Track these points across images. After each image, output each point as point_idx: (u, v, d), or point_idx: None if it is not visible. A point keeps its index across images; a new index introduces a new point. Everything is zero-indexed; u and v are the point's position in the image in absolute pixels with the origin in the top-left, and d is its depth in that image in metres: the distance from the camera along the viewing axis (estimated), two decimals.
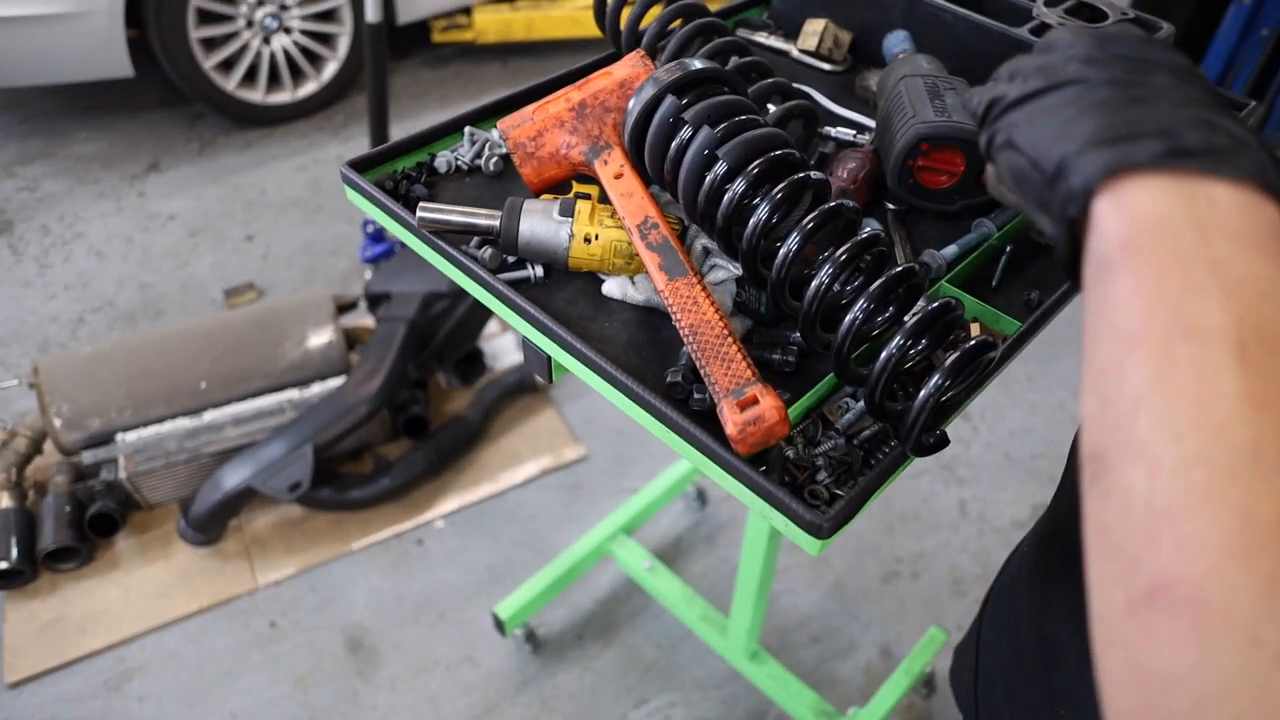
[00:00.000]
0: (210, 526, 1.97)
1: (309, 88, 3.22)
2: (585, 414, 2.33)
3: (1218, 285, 0.33)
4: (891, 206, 0.94)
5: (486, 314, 2.28)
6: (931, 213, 0.92)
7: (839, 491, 0.67)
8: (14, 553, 1.88)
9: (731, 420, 0.64)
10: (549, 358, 0.80)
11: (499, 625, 1.79)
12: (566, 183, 0.88)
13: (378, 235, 2.57)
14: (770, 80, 0.93)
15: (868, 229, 0.70)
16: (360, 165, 0.94)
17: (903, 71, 0.93)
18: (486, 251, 0.85)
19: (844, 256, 0.67)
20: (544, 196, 0.87)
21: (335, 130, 3.26)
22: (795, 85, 0.99)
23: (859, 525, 2.06)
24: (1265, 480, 0.30)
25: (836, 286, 0.68)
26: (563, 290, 0.83)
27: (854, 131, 1.02)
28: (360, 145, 3.19)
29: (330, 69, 3.23)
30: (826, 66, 1.15)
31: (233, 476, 1.94)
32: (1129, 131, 0.38)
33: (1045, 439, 2.29)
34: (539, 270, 0.84)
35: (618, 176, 0.81)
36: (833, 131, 1.02)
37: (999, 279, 0.87)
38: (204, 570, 1.98)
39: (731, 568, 2.03)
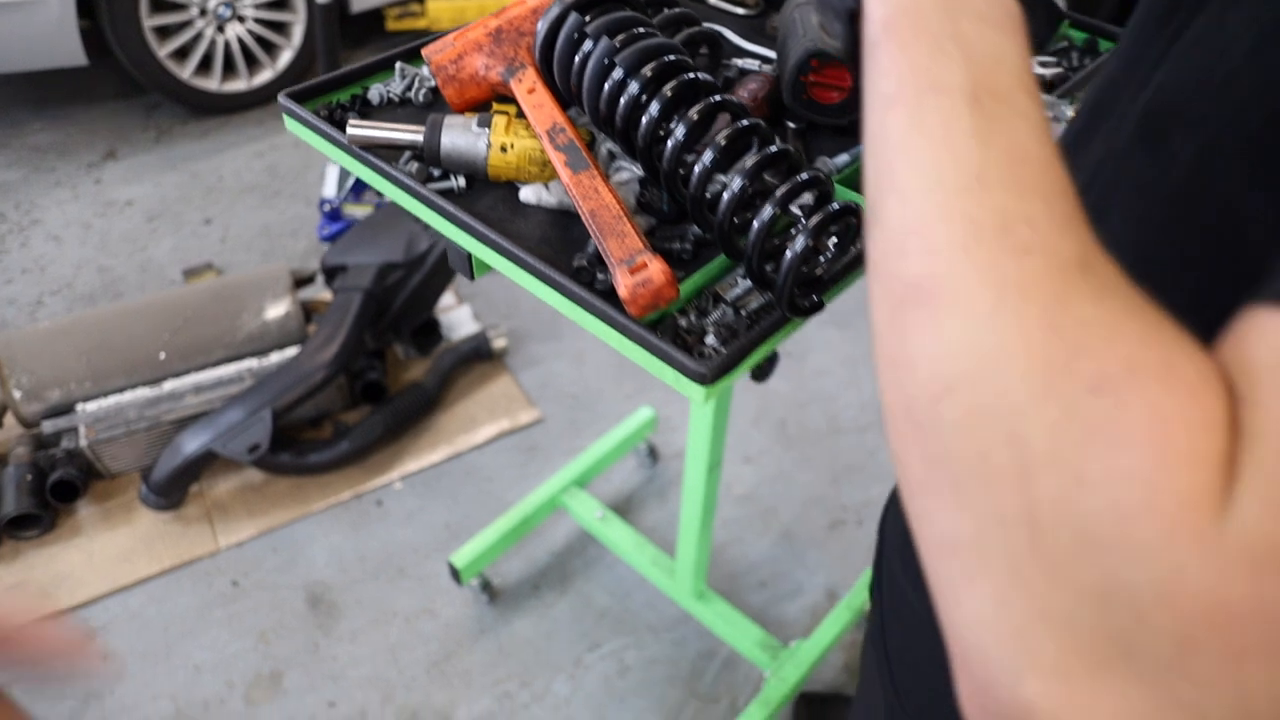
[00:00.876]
0: (171, 491, 2.01)
1: (265, 76, 3.27)
2: (540, 380, 2.40)
3: (959, 52, 0.41)
4: (791, 125, 1.01)
5: (441, 284, 2.34)
6: (827, 128, 1.00)
7: (724, 351, 0.75)
8: None
9: (624, 284, 0.72)
10: (469, 255, 0.87)
11: (455, 574, 1.85)
12: (487, 104, 0.95)
13: (334, 214, 2.62)
14: (678, 10, 1.00)
15: (746, 121, 0.77)
16: (298, 96, 1.00)
17: (799, 0, 1.01)
18: (413, 166, 0.92)
19: (723, 141, 0.75)
20: (465, 114, 0.94)
21: None
22: (705, 24, 1.06)
23: (806, 477, 2.15)
24: (988, 194, 0.38)
25: (715, 167, 0.75)
26: (483, 198, 0.90)
27: (759, 63, 1.10)
28: None
29: (285, 57, 3.27)
30: (740, 11, 1.23)
31: (193, 441, 1.98)
32: None
33: None
34: (461, 181, 0.91)
35: (531, 91, 0.88)
36: (739, 63, 1.10)
37: None
38: (166, 534, 2.03)
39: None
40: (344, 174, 2.66)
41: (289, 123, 1.01)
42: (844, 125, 0.98)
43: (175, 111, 3.28)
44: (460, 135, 0.88)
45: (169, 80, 3.05)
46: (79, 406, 2.05)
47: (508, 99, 0.94)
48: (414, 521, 2.08)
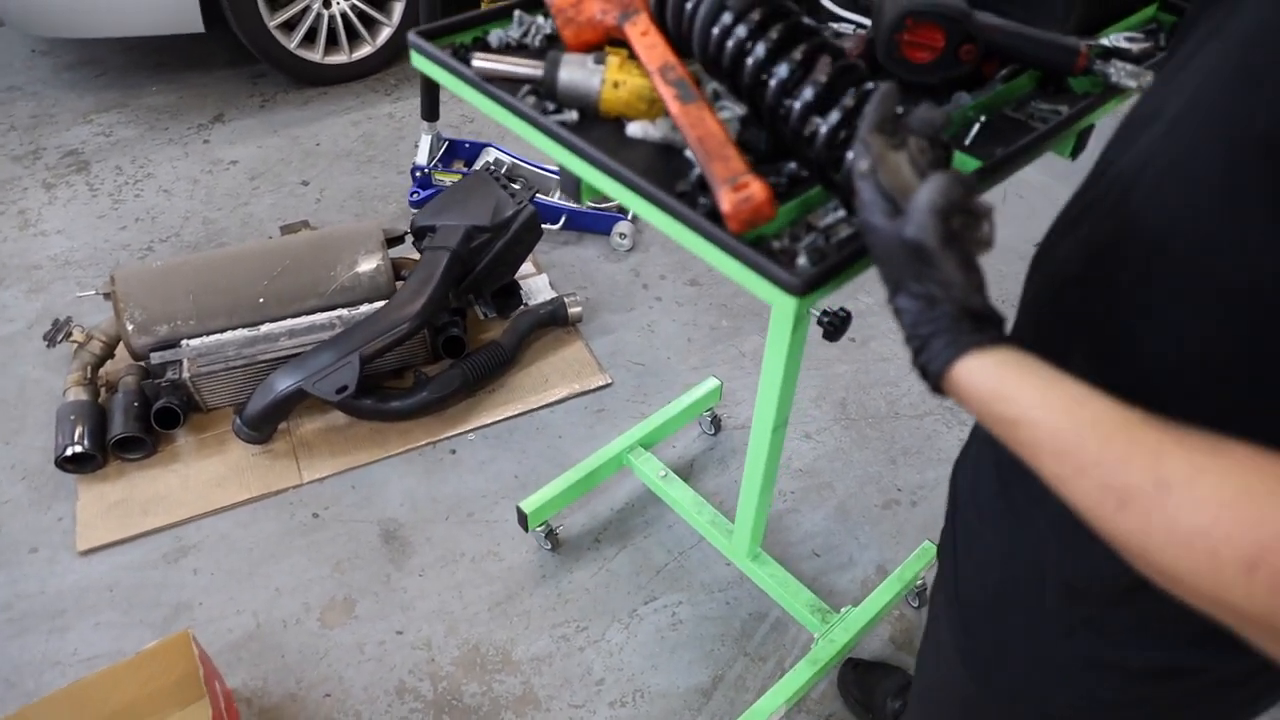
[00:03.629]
0: (263, 425, 2.15)
1: (364, 50, 3.43)
2: (611, 347, 2.49)
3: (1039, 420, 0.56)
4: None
5: (524, 251, 2.44)
6: (917, 86, 1.06)
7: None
8: (87, 439, 2.07)
9: (727, 199, 0.79)
10: (579, 179, 0.95)
11: (522, 520, 1.94)
12: (600, 47, 1.03)
13: (425, 181, 2.75)
14: None
15: (846, 61, 0.84)
16: (427, 35, 1.10)
17: None
18: (530, 99, 1.00)
19: (824, 78, 0.82)
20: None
21: (387, 90, 3.46)
22: None
23: (864, 456, 2.20)
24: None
25: (817, 103, 0.82)
26: (593, 131, 0.99)
27: (853, 28, 1.17)
28: (410, 105, 3.39)
29: (384, 34, 3.43)
30: None
31: (285, 380, 2.11)
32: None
33: None
34: (574, 115, 1.00)
35: (644, 34, 0.97)
36: (835, 26, 1.17)
37: (971, 140, 1.01)
38: (255, 466, 2.16)
39: (740, 488, 2.16)
40: (436, 142, 2.78)
41: (415, 58, 1.11)
42: (934, 84, 1.05)
43: (279, 80, 3.46)
44: (577, 70, 0.97)
45: (277, 50, 3.22)
46: (184, 342, 2.19)
47: (620, 43, 1.02)
48: (484, 470, 2.18)
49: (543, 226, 2.48)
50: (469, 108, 3.34)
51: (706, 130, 0.85)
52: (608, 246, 2.82)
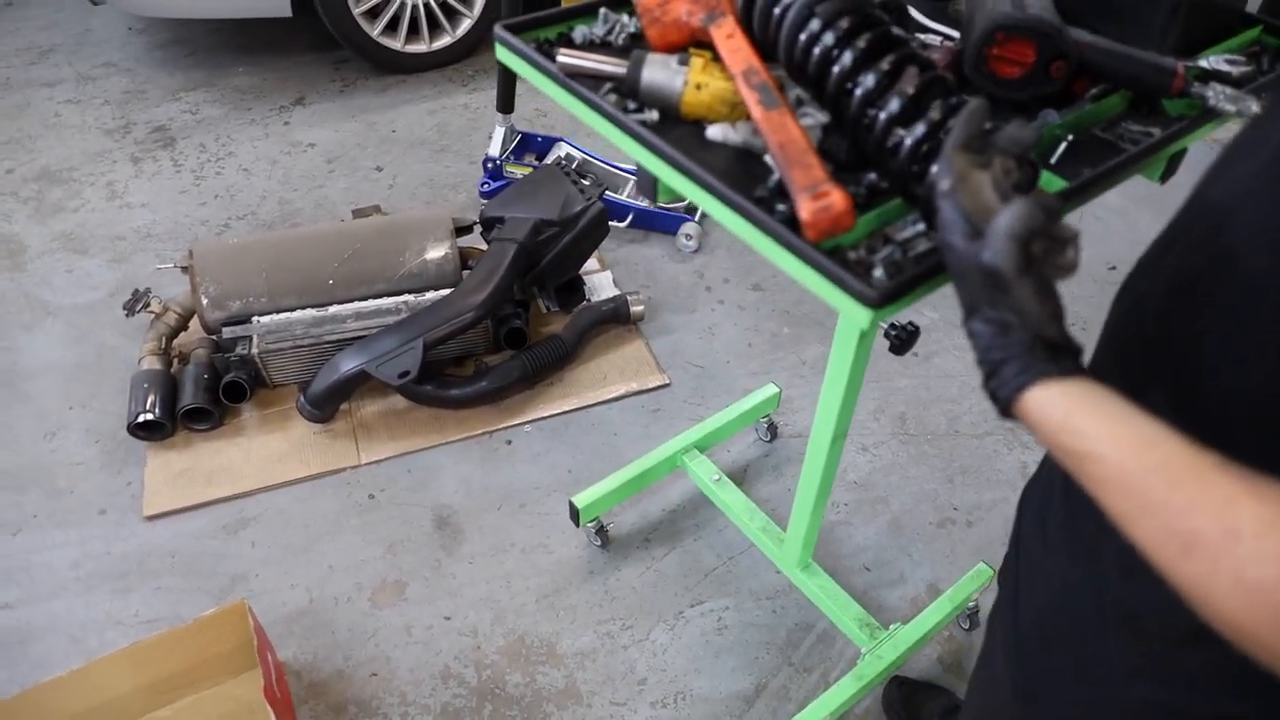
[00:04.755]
0: (325, 404, 2.19)
1: (444, 40, 3.48)
2: (671, 348, 2.48)
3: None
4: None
5: (590, 247, 2.45)
6: (1005, 102, 1.04)
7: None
8: (158, 408, 2.14)
9: (806, 208, 0.78)
10: (656, 179, 0.95)
11: (574, 514, 1.95)
12: (684, 48, 1.03)
13: (496, 172, 2.78)
14: None
15: (934, 73, 0.83)
16: (513, 28, 1.11)
17: None
18: (612, 97, 1.01)
19: (911, 89, 0.80)
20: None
21: (464, 81, 3.51)
22: None
23: (920, 472, 2.17)
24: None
25: (902, 114, 0.81)
26: (673, 132, 0.98)
27: (940, 39, 1.15)
28: (486, 96, 3.43)
29: (464, 25, 3.48)
30: None
31: (349, 361, 2.15)
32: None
33: None
34: (655, 115, 1.00)
35: (729, 37, 0.96)
36: (922, 36, 1.15)
37: (1057, 159, 0.99)
38: (315, 444, 2.21)
39: (794, 496, 2.14)
40: (509, 135, 2.81)
41: (499, 50, 1.12)
42: (1021, 100, 1.02)
43: (360, 67, 3.53)
44: (660, 71, 0.97)
45: (359, 37, 3.29)
46: (254, 319, 2.25)
47: (705, 46, 1.02)
48: (539, 463, 2.20)
49: (609, 224, 2.49)
50: (544, 102, 3.37)
51: (788, 136, 0.85)
52: (673, 247, 2.82)
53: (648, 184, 0.97)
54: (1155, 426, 0.54)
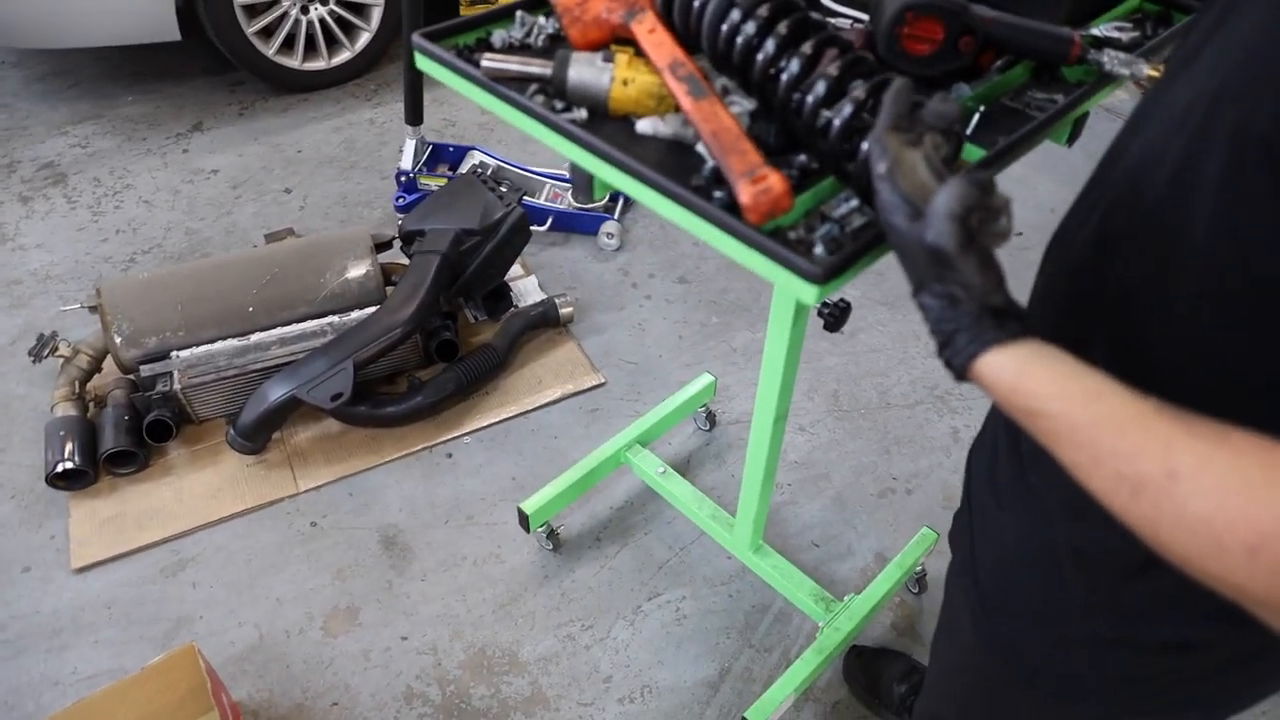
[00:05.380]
0: (256, 435, 2.13)
1: (343, 56, 3.42)
2: (603, 347, 2.49)
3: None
4: None
5: (513, 253, 2.44)
6: (916, 77, 1.08)
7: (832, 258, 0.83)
8: (77, 455, 2.05)
9: (746, 192, 0.80)
10: (591, 176, 0.96)
11: (524, 521, 1.94)
12: (605, 45, 1.04)
13: (410, 185, 2.74)
14: None
15: (854, 54, 0.86)
16: (431, 36, 1.10)
17: None
18: (539, 99, 1.01)
19: (835, 70, 0.83)
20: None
21: (367, 96, 3.45)
22: None
23: (857, 446, 2.22)
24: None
25: (828, 95, 0.84)
26: (603, 129, 0.99)
27: (850, 22, 1.18)
28: (392, 110, 3.38)
29: (363, 39, 3.42)
30: None
31: (278, 389, 2.10)
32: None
33: None
34: (583, 113, 1.00)
35: (651, 31, 0.97)
36: (832, 21, 1.18)
37: (972, 130, 1.03)
38: (250, 476, 2.15)
39: (738, 481, 2.17)
40: (420, 147, 2.77)
41: (420, 59, 1.11)
42: (934, 76, 1.06)
43: (258, 88, 3.43)
44: (586, 69, 0.98)
45: (255, 57, 3.20)
46: (173, 354, 2.17)
47: (625, 42, 1.03)
48: (482, 473, 2.18)
49: (530, 228, 2.49)
50: (452, 111, 3.34)
51: (721, 125, 0.86)
52: (595, 247, 2.82)
53: (583, 182, 0.97)
54: (1099, 380, 0.57)
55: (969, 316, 0.63)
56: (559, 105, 1.01)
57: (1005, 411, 0.63)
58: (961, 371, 0.64)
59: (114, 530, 2.03)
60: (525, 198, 2.71)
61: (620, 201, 2.90)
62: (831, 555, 2.04)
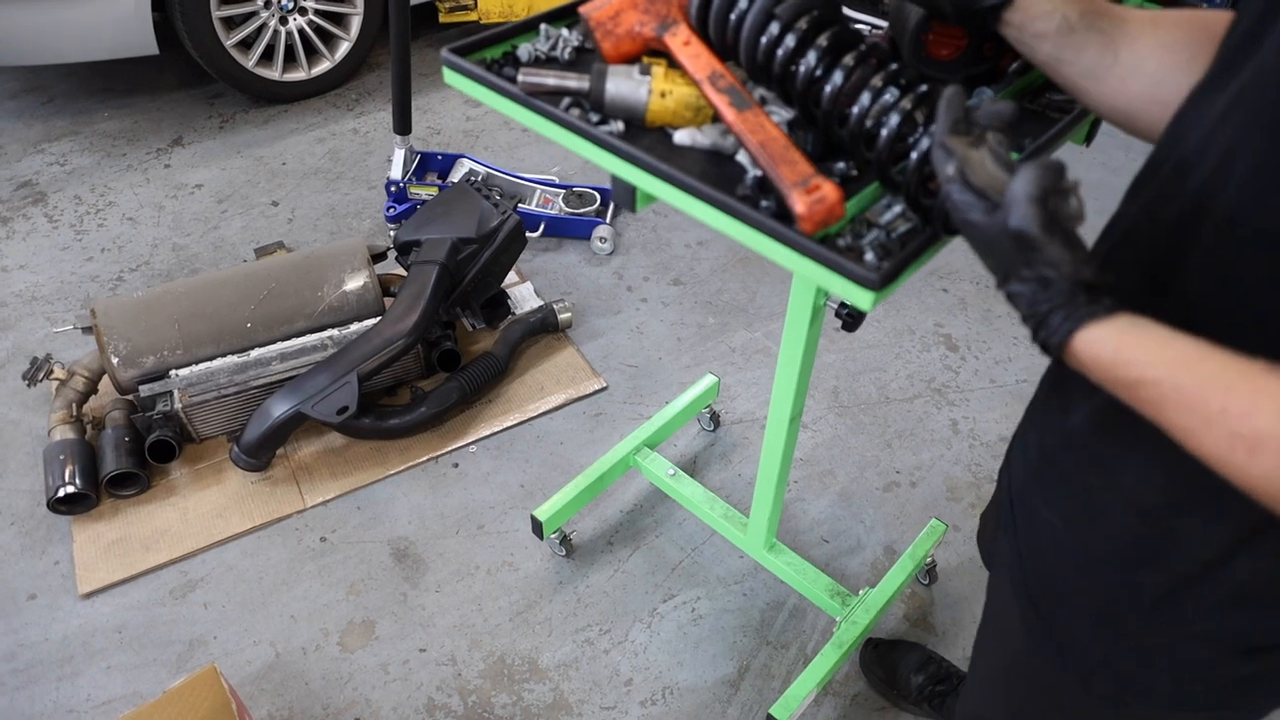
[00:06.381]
0: (261, 452, 2.12)
1: (323, 66, 3.39)
2: (602, 351, 2.50)
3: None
4: None
5: (510, 260, 2.44)
6: (941, 83, 1.10)
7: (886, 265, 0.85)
8: (78, 478, 2.02)
9: (800, 201, 0.82)
10: (634, 188, 0.97)
11: (537, 528, 1.95)
12: (637, 58, 1.05)
13: (400, 195, 2.73)
14: None
15: (896, 64, 0.88)
16: (460, 51, 1.10)
17: None
18: (574, 112, 1.02)
19: (879, 82, 0.85)
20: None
21: (349, 105, 3.42)
22: None
23: (860, 441, 2.25)
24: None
25: (873, 107, 0.85)
26: (641, 141, 1.00)
27: (868, 29, 1.20)
28: (375, 119, 3.36)
29: (343, 48, 3.39)
30: None
31: (282, 404, 2.08)
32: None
33: (1026, 365, 2.49)
34: (619, 126, 1.02)
35: (686, 44, 0.99)
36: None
37: None
38: (255, 494, 2.13)
39: (746, 481, 2.20)
40: (409, 157, 2.76)
41: (449, 75, 1.11)
42: (958, 80, 1.08)
43: (237, 100, 3.40)
44: (623, 82, 0.99)
45: (234, 69, 3.16)
46: (172, 372, 2.15)
47: (658, 53, 1.04)
48: (490, 482, 2.18)
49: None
50: (436, 119, 3.33)
51: (768, 135, 0.88)
52: (589, 251, 2.83)
53: (626, 194, 0.98)
54: (1199, 344, 0.58)
55: (1062, 295, 0.63)
56: (594, 118, 1.02)
57: (1107, 387, 0.63)
58: (1059, 350, 0.64)
59: (120, 553, 2.00)
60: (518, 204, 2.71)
61: (611, 205, 2.91)
62: (841, 550, 2.07)
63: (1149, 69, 0.82)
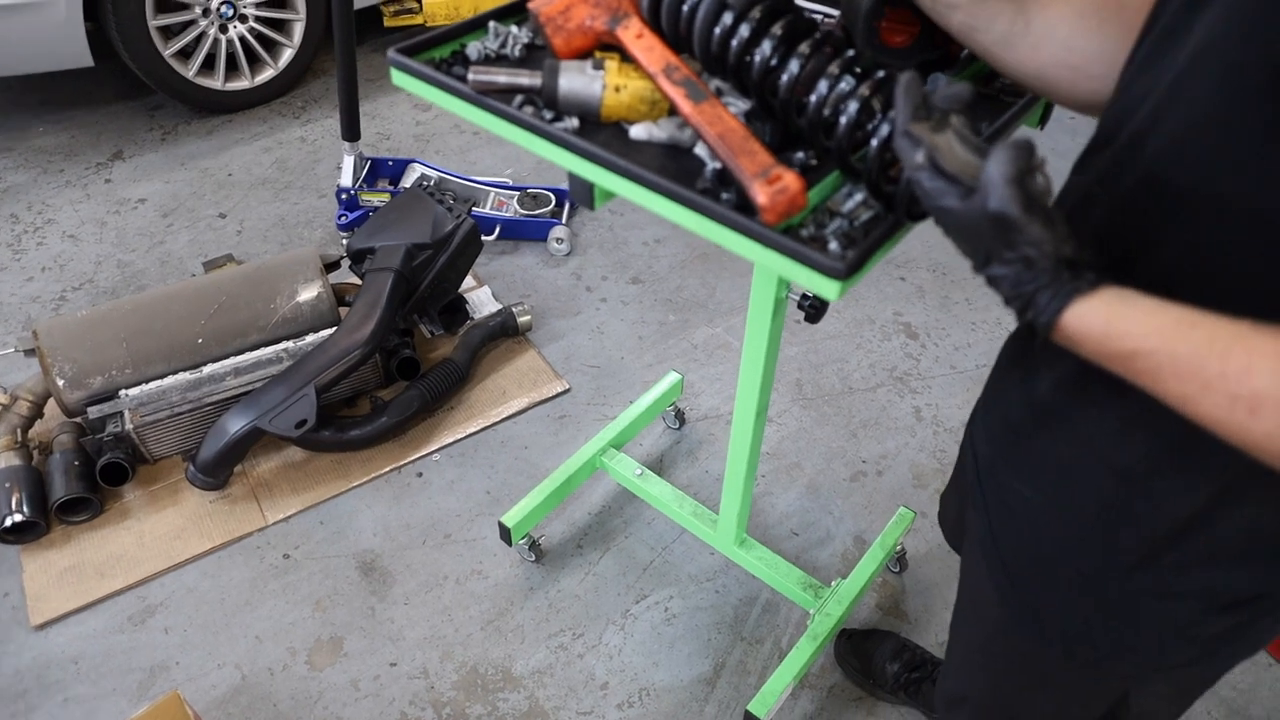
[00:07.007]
0: (218, 470, 2.06)
1: (266, 74, 3.32)
2: (564, 353, 2.48)
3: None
4: None
5: (466, 265, 2.41)
6: (894, 69, 1.10)
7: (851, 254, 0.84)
8: (25, 505, 1.95)
9: (762, 192, 0.81)
10: (592, 185, 0.95)
11: (505, 534, 1.92)
12: (589, 53, 1.04)
13: (351, 203, 2.68)
14: None
15: (852, 52, 0.87)
16: (407, 51, 1.08)
17: None
18: (527, 109, 1.00)
19: (836, 70, 0.84)
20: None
21: (295, 114, 3.36)
22: None
23: (825, 433, 2.26)
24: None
25: (831, 95, 0.85)
26: (597, 137, 0.99)
27: (820, 17, 1.20)
28: (322, 126, 3.30)
29: (286, 55, 3.32)
30: None
31: (238, 420, 2.03)
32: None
33: (985, 350, 2.52)
34: (574, 122, 1.00)
35: (639, 37, 0.97)
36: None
37: None
38: (214, 513, 2.08)
39: (714, 478, 2.19)
40: (359, 163, 2.71)
41: (397, 75, 1.09)
42: (910, 67, 1.08)
43: (179, 111, 3.31)
44: (577, 77, 0.97)
45: (173, 80, 3.08)
46: (121, 392, 2.08)
47: (610, 48, 1.03)
48: (455, 490, 2.15)
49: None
50: (385, 125, 3.28)
51: (726, 127, 0.87)
52: (545, 253, 2.81)
53: (584, 192, 0.97)
54: (1187, 310, 0.58)
55: (1046, 274, 0.63)
56: (548, 115, 1.01)
57: (1099, 361, 0.63)
58: (1048, 329, 0.64)
59: (73, 581, 1.94)
60: (473, 208, 2.67)
61: (567, 206, 2.89)
62: (811, 542, 2.07)
63: (1060, 35, 0.83)
